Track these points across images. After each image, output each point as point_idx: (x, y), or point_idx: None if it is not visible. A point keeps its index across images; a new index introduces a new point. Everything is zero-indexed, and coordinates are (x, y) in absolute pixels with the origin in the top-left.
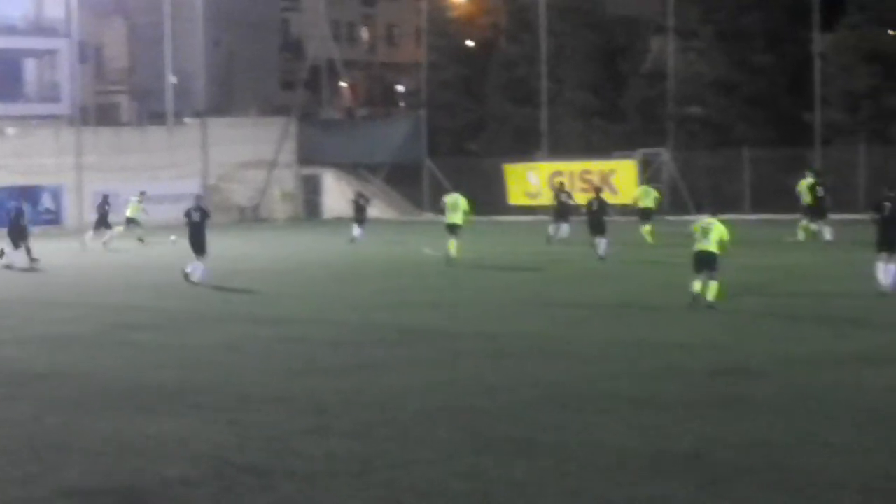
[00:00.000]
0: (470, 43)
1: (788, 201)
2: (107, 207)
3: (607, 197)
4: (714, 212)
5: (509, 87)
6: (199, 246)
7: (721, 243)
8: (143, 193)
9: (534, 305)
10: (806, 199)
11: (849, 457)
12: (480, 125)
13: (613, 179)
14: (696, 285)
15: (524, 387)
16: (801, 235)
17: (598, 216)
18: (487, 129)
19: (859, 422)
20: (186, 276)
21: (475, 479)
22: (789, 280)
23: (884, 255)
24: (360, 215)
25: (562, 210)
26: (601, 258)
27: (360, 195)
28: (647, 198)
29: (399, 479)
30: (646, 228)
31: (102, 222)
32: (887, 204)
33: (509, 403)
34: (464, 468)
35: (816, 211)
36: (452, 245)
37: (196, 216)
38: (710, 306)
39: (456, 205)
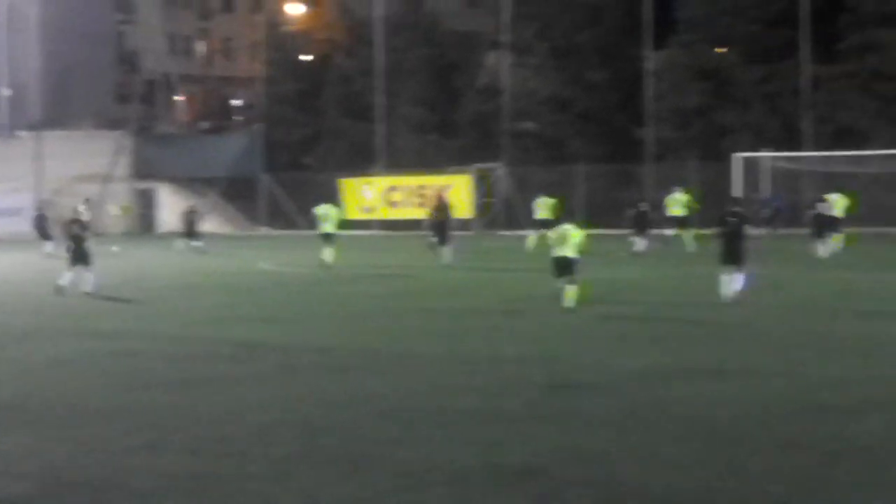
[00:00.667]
0: (307, 57)
1: (621, 217)
2: None
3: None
4: (571, 220)
5: (345, 101)
6: (82, 258)
7: (580, 248)
8: None
9: (372, 319)
10: (676, 211)
11: (681, 470)
12: (317, 140)
13: (449, 194)
14: (567, 292)
15: (361, 402)
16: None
17: (444, 227)
18: (324, 144)
19: (692, 435)
20: (61, 290)
21: (311, 496)
22: (624, 294)
23: (728, 268)
24: (190, 229)
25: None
26: (446, 266)
27: (191, 210)
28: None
29: (234, 496)
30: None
31: None
32: (731, 219)
33: (346, 419)
34: (300, 485)
35: (640, 227)
36: (327, 253)
37: (76, 229)
38: (569, 310)
39: (327, 215)
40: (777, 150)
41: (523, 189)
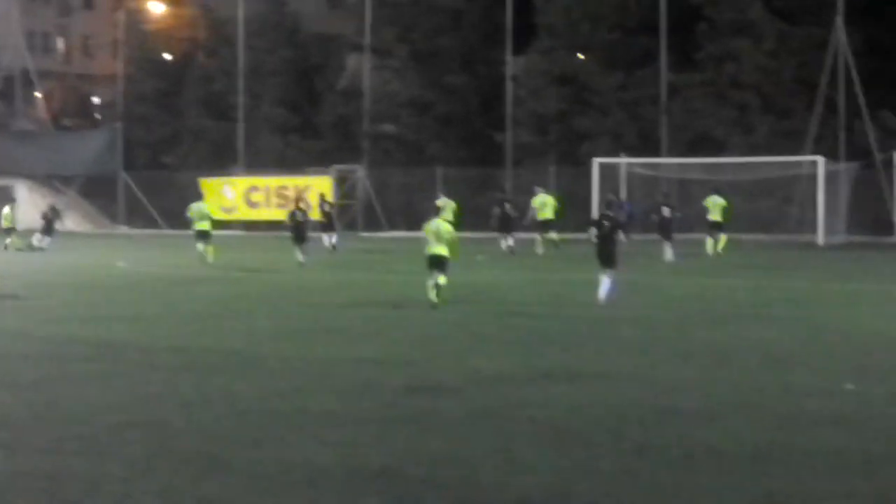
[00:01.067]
0: (168, 56)
1: (481, 219)
2: None
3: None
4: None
5: (206, 101)
6: None
7: (451, 246)
8: None
9: (229, 320)
10: (544, 214)
11: (534, 473)
12: (177, 139)
13: (309, 195)
14: (431, 289)
15: (218, 402)
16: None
17: (303, 227)
18: (184, 143)
19: (544, 438)
20: None
21: (168, 497)
22: (482, 296)
23: (605, 270)
24: (48, 227)
25: (328, 222)
26: (302, 264)
27: (51, 208)
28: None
29: (90, 496)
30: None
31: None
32: (605, 222)
33: (204, 419)
34: (156, 485)
35: (504, 227)
36: (210, 250)
37: None
38: (435, 307)
39: (202, 213)
40: (635, 156)
41: (383, 191)
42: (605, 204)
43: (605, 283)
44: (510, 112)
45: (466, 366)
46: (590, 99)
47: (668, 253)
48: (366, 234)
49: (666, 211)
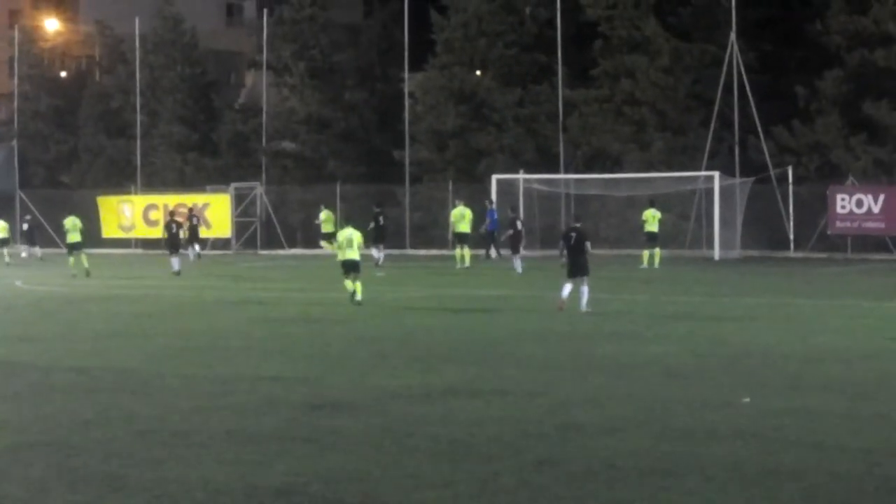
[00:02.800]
0: (63, 74)
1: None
2: None
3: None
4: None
5: (103, 118)
6: None
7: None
8: None
9: (127, 339)
10: (462, 227)
11: (435, 489)
12: (74, 157)
13: (207, 212)
14: (348, 285)
15: (118, 421)
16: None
17: (177, 238)
18: (81, 161)
19: (445, 454)
20: None
21: None
22: (382, 313)
23: (575, 279)
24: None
25: (192, 235)
26: (177, 273)
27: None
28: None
29: None
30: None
31: None
32: (573, 234)
33: (103, 438)
34: None
35: (378, 239)
36: (82, 260)
37: None
38: (359, 303)
39: (75, 225)
40: (533, 172)
41: (282, 208)
42: (574, 217)
43: (583, 292)
44: (408, 129)
45: (367, 383)
46: (488, 115)
47: (518, 265)
48: (265, 252)
49: (518, 224)
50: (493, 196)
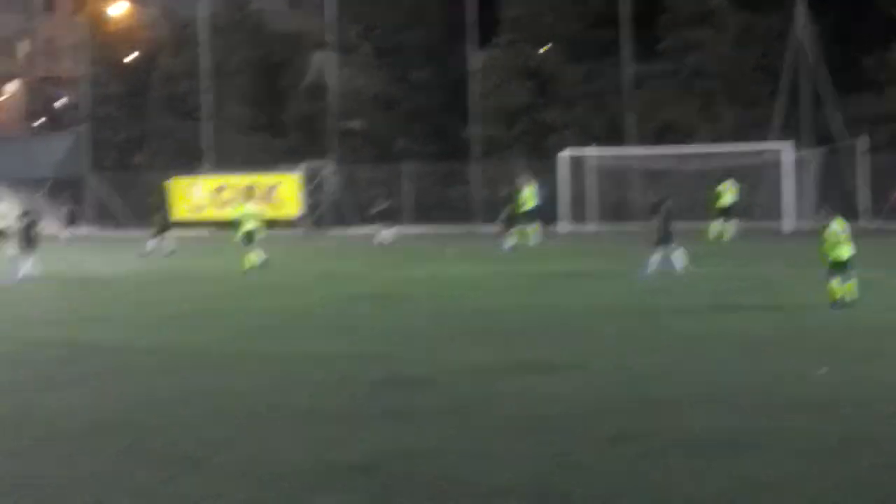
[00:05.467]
0: (131, 57)
1: (450, 213)
2: None
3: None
4: None
5: (171, 101)
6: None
7: None
8: None
9: (204, 318)
10: (529, 204)
11: (513, 465)
12: (144, 139)
13: (276, 193)
14: None
15: (196, 401)
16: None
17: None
18: (150, 143)
19: (522, 430)
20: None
21: (144, 496)
22: (451, 290)
23: (666, 247)
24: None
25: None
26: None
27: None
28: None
29: (66, 496)
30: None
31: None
32: (661, 207)
33: (178, 418)
34: (133, 485)
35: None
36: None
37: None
38: None
39: (247, 215)
40: (602, 147)
41: (351, 187)
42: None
43: (677, 258)
44: (475, 106)
45: (442, 359)
46: (555, 91)
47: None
48: (335, 231)
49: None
50: (563, 171)
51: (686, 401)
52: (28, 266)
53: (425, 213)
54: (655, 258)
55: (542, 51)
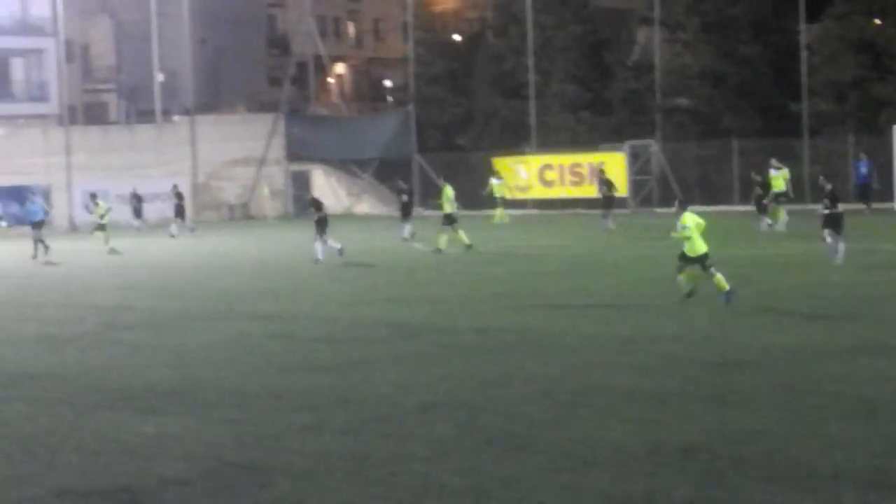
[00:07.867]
0: (456, 37)
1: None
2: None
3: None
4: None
5: (497, 80)
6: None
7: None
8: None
9: (527, 299)
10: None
11: (845, 449)
12: (468, 119)
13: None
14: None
15: (519, 382)
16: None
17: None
18: (475, 124)
19: (854, 413)
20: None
21: (470, 475)
22: (775, 271)
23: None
24: (180, 211)
25: (606, 201)
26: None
27: (401, 190)
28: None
29: (395, 475)
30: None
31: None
32: (837, 195)
33: (504, 398)
34: (459, 464)
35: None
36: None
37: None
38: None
39: (448, 197)
40: None
41: (677, 165)
42: (825, 177)
43: (840, 248)
44: (805, 81)
45: (766, 340)
46: (888, 65)
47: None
48: (661, 210)
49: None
50: None
51: None
52: (406, 231)
53: (751, 191)
54: None
55: (876, 23)
